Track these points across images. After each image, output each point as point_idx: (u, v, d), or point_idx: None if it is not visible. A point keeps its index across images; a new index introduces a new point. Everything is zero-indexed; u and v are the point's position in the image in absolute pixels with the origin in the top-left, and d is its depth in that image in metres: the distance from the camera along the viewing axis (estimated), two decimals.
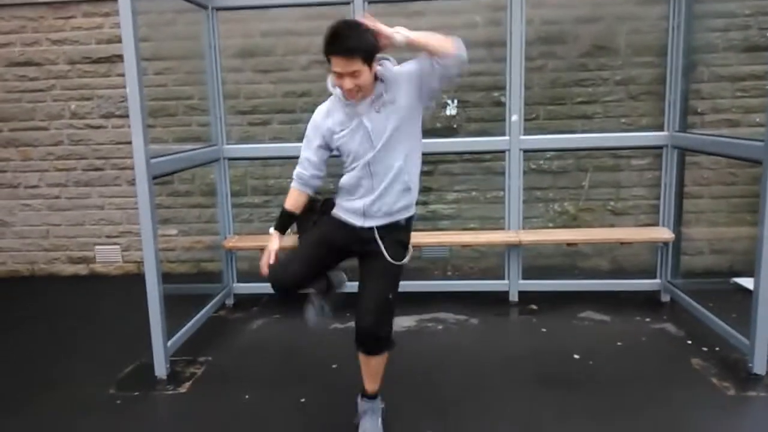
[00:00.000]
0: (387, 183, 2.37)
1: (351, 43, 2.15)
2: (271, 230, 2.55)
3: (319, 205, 2.61)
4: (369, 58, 2.20)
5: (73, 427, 2.75)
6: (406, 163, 2.38)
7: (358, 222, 2.45)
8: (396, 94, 2.31)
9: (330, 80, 2.32)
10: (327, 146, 2.46)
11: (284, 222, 2.56)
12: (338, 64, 2.18)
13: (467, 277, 4.58)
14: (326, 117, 2.41)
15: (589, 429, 2.58)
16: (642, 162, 4.51)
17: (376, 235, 2.42)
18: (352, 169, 2.40)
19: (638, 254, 4.56)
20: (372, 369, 2.52)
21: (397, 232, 2.47)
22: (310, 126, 2.47)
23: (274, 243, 2.50)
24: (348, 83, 2.21)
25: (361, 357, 2.48)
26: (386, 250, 2.41)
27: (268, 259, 2.45)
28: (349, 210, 2.47)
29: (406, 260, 2.48)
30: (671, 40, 3.85)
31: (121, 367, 3.30)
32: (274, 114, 4.73)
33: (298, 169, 2.53)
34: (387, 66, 2.35)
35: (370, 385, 2.56)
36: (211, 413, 2.80)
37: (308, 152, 2.48)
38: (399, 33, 2.24)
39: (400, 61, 2.43)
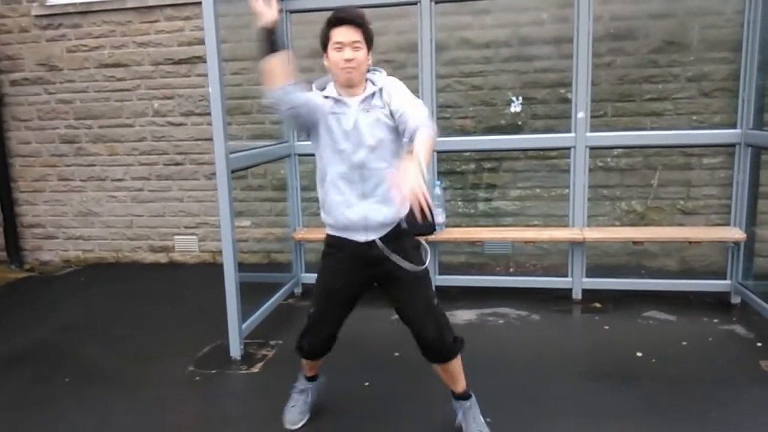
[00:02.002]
0: (378, 187, 2.29)
1: (360, 15, 2.25)
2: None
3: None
4: (369, 41, 2.28)
5: (156, 399, 2.99)
6: (390, 170, 2.23)
7: (360, 238, 2.33)
8: (387, 101, 2.28)
9: (315, 85, 2.36)
10: (311, 103, 2.31)
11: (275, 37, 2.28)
12: (342, 33, 2.22)
13: (529, 274, 4.60)
14: (317, 96, 2.34)
15: (648, 425, 2.58)
16: (714, 161, 4.40)
17: (385, 250, 2.30)
18: (337, 167, 2.29)
19: (708, 255, 4.45)
20: (452, 374, 2.47)
21: (401, 240, 2.36)
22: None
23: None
24: (348, 53, 2.22)
25: (437, 367, 2.45)
26: (404, 262, 2.30)
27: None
28: (343, 226, 2.35)
29: (427, 261, 2.38)
30: (746, 34, 3.74)
31: (199, 347, 3.54)
32: None
33: None
34: (381, 75, 2.35)
35: (457, 386, 2.51)
36: (281, 392, 2.95)
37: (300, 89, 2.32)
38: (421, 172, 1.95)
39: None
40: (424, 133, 2.09)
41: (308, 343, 2.54)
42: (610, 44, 4.38)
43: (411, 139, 2.12)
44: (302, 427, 2.69)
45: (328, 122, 2.30)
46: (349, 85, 2.30)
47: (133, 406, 2.94)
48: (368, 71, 2.35)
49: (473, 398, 2.55)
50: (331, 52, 2.27)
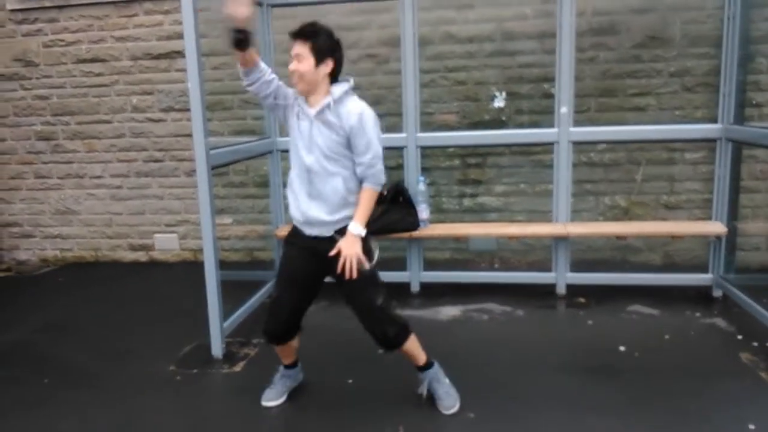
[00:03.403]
0: (322, 190, 2.49)
1: (308, 30, 2.40)
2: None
3: (387, 195, 2.74)
4: (318, 53, 2.40)
5: (137, 400, 2.93)
6: (335, 179, 2.48)
7: (306, 231, 2.57)
8: (341, 121, 2.44)
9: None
10: (282, 96, 2.56)
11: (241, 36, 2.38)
12: (293, 45, 2.42)
13: (514, 269, 4.60)
14: (294, 98, 2.56)
15: (631, 418, 2.58)
16: (696, 155, 4.42)
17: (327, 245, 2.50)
18: (294, 167, 2.56)
19: (691, 249, 4.48)
20: (408, 355, 2.69)
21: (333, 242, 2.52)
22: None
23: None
24: (292, 64, 2.41)
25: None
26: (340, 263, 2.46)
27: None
28: (294, 218, 2.60)
29: (370, 263, 2.54)
30: (726, 30, 3.77)
31: (180, 346, 3.49)
32: None
33: None
34: (344, 90, 2.47)
35: (418, 361, 2.71)
36: (262, 391, 2.92)
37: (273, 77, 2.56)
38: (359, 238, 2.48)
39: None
40: (366, 193, 2.49)
41: (268, 325, 2.66)
42: (593, 39, 4.38)
43: (359, 179, 2.50)
44: (286, 423, 2.67)
45: (292, 120, 2.54)
46: (303, 95, 2.49)
47: (113, 406, 2.88)
48: (334, 83, 2.49)
49: (435, 365, 2.74)
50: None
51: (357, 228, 2.47)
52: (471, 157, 4.71)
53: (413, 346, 2.67)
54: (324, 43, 2.41)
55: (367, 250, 2.51)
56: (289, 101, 2.55)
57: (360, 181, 2.52)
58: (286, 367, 2.87)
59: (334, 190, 2.48)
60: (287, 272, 2.64)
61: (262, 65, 2.50)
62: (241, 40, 2.36)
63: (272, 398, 2.82)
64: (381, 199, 2.81)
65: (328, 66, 2.43)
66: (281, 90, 2.56)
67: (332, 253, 2.46)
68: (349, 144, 2.46)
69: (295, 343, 2.78)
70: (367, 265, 2.48)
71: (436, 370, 2.74)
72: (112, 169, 5.32)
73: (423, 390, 2.74)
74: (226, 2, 2.30)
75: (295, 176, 2.55)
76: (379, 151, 2.49)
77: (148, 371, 3.22)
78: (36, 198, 5.48)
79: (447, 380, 2.75)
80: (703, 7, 4.23)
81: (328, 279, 2.63)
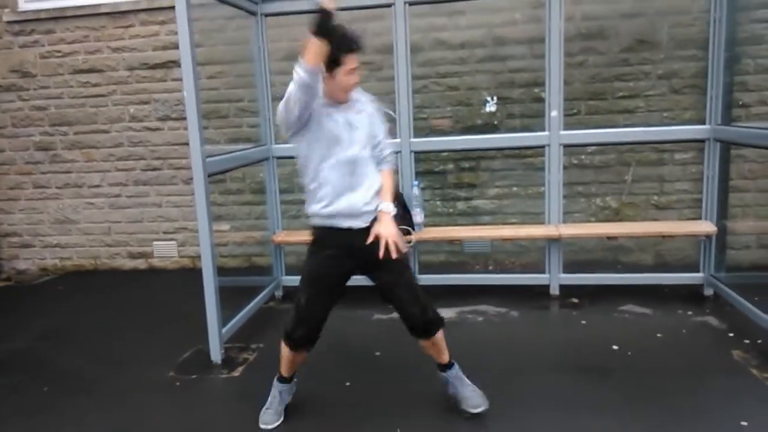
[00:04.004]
0: (363, 179, 2.55)
1: (360, 40, 2.46)
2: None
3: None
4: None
5: (136, 406, 2.98)
6: (370, 169, 2.59)
7: (346, 223, 2.54)
8: (366, 109, 2.62)
9: (329, 80, 2.45)
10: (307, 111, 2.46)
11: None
12: (354, 60, 2.46)
13: (508, 271, 4.65)
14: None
15: (625, 417, 2.63)
16: (685, 156, 4.49)
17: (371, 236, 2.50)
18: (327, 165, 2.50)
19: (682, 249, 4.54)
20: (437, 347, 2.69)
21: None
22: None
23: None
24: (356, 77, 2.50)
25: (423, 343, 2.67)
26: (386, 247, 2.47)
27: None
28: (334, 214, 2.54)
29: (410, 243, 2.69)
30: (713, 32, 3.83)
31: (179, 352, 3.54)
32: None
33: None
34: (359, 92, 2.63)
35: (443, 357, 2.73)
36: (262, 395, 2.95)
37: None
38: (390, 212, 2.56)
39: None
40: (389, 174, 2.65)
41: (298, 332, 2.61)
42: (582, 44, 4.46)
43: (378, 160, 2.63)
44: (279, 427, 2.71)
45: (323, 120, 2.49)
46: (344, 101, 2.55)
47: (113, 413, 2.92)
48: None
49: (456, 365, 2.76)
50: (343, 75, 2.44)
51: (388, 206, 2.53)
52: (464, 161, 4.77)
53: (443, 339, 2.69)
54: None
55: (403, 231, 2.62)
56: (316, 104, 2.49)
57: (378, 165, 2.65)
58: (284, 380, 2.79)
59: (374, 177, 2.57)
60: (320, 276, 2.59)
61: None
62: (326, 23, 2.24)
63: (269, 421, 2.72)
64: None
65: None
66: (311, 104, 2.49)
67: (370, 240, 2.46)
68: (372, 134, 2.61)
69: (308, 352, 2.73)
70: (405, 247, 2.51)
71: (458, 369, 2.76)
72: (110, 178, 5.37)
73: (453, 390, 2.74)
74: None
75: (330, 173, 2.49)
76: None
77: (147, 377, 3.27)
78: (35, 208, 5.53)
79: (469, 381, 2.75)
80: (689, 11, 4.31)
81: (358, 277, 2.63)
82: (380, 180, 2.61)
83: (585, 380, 2.96)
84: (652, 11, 4.38)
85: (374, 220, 2.54)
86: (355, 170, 2.51)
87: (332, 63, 2.40)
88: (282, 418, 2.75)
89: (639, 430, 2.55)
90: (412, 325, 2.58)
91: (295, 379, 2.85)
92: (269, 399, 2.79)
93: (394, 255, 2.42)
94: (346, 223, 2.54)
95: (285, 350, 2.68)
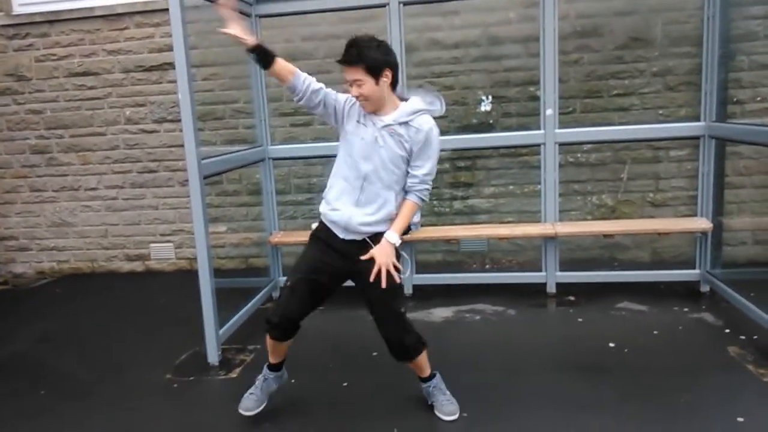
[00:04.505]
0: (369, 201, 2.49)
1: (352, 54, 2.36)
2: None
3: None
4: (373, 71, 2.37)
5: (134, 409, 2.98)
6: (387, 192, 2.49)
7: (341, 235, 2.53)
8: (408, 136, 2.44)
9: None
10: (331, 104, 2.52)
11: (265, 52, 2.51)
12: (346, 73, 2.40)
13: (505, 270, 4.66)
14: (351, 102, 2.52)
15: (622, 414, 2.64)
16: (681, 153, 4.50)
17: (355, 252, 2.50)
18: (346, 172, 2.50)
19: (678, 246, 4.55)
20: (418, 366, 2.72)
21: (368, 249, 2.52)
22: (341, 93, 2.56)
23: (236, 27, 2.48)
24: (354, 90, 2.40)
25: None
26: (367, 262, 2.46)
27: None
28: (333, 221, 2.55)
29: (406, 274, 2.58)
30: (706, 29, 3.84)
31: (177, 354, 3.54)
32: (315, 116, 4.90)
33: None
34: (415, 109, 2.45)
35: (423, 374, 2.75)
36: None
37: (319, 85, 2.53)
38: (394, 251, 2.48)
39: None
40: (408, 206, 2.51)
41: (276, 313, 2.58)
42: (577, 42, 4.46)
43: (404, 190, 2.52)
44: (277, 427, 2.72)
45: (351, 125, 2.50)
46: (373, 112, 2.47)
47: (110, 416, 2.93)
48: (398, 94, 2.50)
49: (437, 376, 2.78)
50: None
51: (394, 237, 2.46)
52: (460, 160, 4.77)
53: (424, 359, 2.69)
54: (375, 58, 2.36)
55: (399, 261, 2.53)
56: (344, 105, 2.51)
57: (404, 194, 2.53)
58: (272, 367, 2.79)
59: (385, 202, 2.48)
60: (311, 262, 2.58)
61: (302, 76, 2.50)
62: (258, 59, 2.46)
63: (250, 407, 2.73)
64: (254, 51, 2.58)
65: (387, 77, 2.40)
66: (330, 97, 2.52)
67: (365, 257, 2.45)
68: (409, 158, 2.47)
69: (290, 342, 2.71)
70: (397, 279, 2.47)
71: (438, 380, 2.77)
72: (106, 181, 5.36)
73: (431, 399, 2.76)
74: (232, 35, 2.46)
75: (342, 180, 2.52)
76: (434, 171, 2.51)
77: (144, 380, 3.27)
78: (31, 211, 5.53)
79: (447, 392, 2.77)
80: (683, 8, 4.32)
81: (348, 284, 2.64)
82: (395, 207, 2.51)
83: (582, 378, 2.97)
84: (646, 8, 4.38)
85: (373, 236, 2.51)
86: (365, 187, 2.47)
87: None
88: (262, 407, 2.75)
89: (635, 427, 2.55)
90: (390, 348, 2.61)
91: (284, 371, 2.85)
92: (255, 384, 2.80)
93: (383, 285, 2.41)
94: (340, 234, 2.54)
95: (267, 336, 2.68)
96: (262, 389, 2.79)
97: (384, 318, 2.56)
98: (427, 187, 2.52)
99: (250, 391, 2.79)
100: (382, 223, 2.51)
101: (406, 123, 2.43)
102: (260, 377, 2.82)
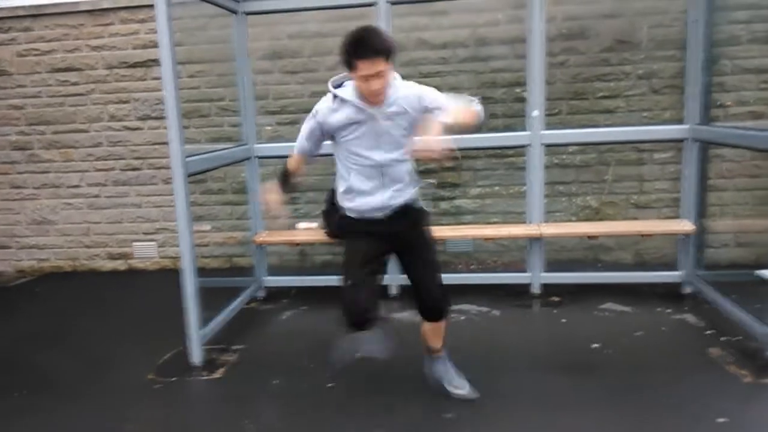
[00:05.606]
0: (394, 180, 2.56)
1: (376, 45, 2.29)
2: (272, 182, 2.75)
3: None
4: (391, 58, 2.35)
5: (115, 409, 2.94)
6: (403, 160, 2.56)
7: (379, 215, 2.59)
8: (406, 106, 2.47)
9: (331, 83, 2.52)
10: (319, 136, 2.65)
11: (284, 177, 2.76)
12: (366, 66, 2.29)
13: (490, 270, 4.67)
14: (330, 114, 2.52)
15: (604, 414, 2.66)
16: (665, 155, 4.54)
17: (398, 223, 2.61)
18: (359, 166, 2.54)
19: (661, 247, 4.59)
20: (439, 330, 2.80)
21: (409, 214, 2.65)
22: (311, 120, 2.62)
23: (271, 193, 2.71)
24: (376, 84, 2.33)
25: (427, 325, 2.76)
26: (412, 227, 2.64)
27: (266, 203, 2.73)
28: (366, 208, 2.60)
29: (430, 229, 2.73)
30: (691, 33, 3.88)
31: (159, 355, 3.50)
32: (302, 114, 4.83)
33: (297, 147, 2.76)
34: (397, 83, 2.49)
35: (437, 343, 2.84)
36: (243, 397, 2.96)
37: (306, 142, 2.69)
38: (442, 136, 2.24)
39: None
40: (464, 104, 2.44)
41: (349, 317, 2.50)
42: (563, 44, 4.49)
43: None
44: (267, 429, 2.69)
45: (345, 131, 2.51)
46: (380, 101, 2.44)
47: (91, 417, 2.88)
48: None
49: (445, 353, 2.90)
50: (358, 80, 2.36)
51: (449, 116, 2.33)
52: (446, 160, 4.76)
53: (445, 326, 2.80)
54: (389, 44, 2.33)
55: (425, 215, 2.71)
56: (322, 125, 2.56)
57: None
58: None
59: (406, 172, 2.59)
60: (361, 256, 2.56)
61: (306, 152, 2.72)
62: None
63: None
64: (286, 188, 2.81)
65: (393, 62, 2.40)
66: (315, 133, 2.63)
67: (417, 149, 2.28)
68: (413, 125, 2.46)
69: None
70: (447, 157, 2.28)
71: (446, 358, 2.90)
72: (89, 178, 5.30)
73: (437, 374, 2.89)
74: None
75: (358, 175, 2.54)
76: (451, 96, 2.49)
77: (126, 380, 3.23)
78: (11, 208, 5.44)
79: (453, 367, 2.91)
80: (668, 11, 4.36)
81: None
82: (414, 174, 2.66)
83: (566, 378, 2.98)
84: (631, 12, 4.42)
85: (407, 205, 2.63)
86: (385, 171, 2.52)
87: (347, 65, 2.35)
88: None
89: (618, 426, 2.57)
90: (428, 306, 2.66)
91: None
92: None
93: (433, 153, 2.18)
94: (379, 214, 2.59)
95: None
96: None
97: (426, 277, 2.63)
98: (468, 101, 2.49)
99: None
100: (410, 187, 2.64)
101: (393, 102, 2.45)
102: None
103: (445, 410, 2.73)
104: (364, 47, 2.28)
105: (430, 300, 2.65)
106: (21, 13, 5.10)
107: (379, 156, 2.50)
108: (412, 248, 2.65)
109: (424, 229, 2.72)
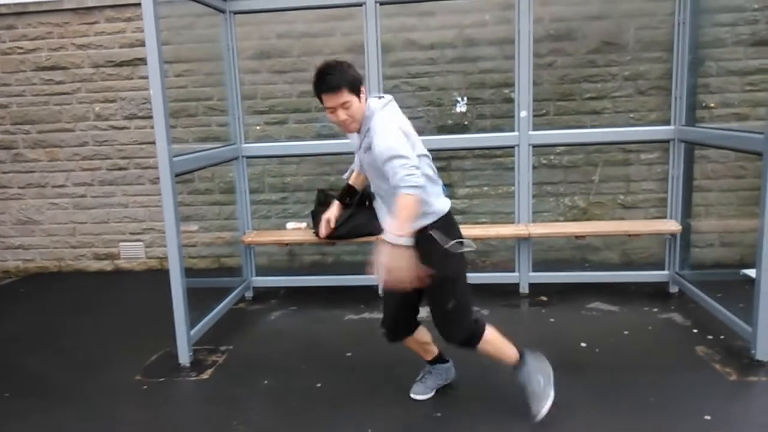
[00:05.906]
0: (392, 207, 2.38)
1: (334, 79, 2.33)
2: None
3: (354, 199, 2.91)
4: (355, 89, 2.37)
5: (102, 411, 2.91)
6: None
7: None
8: (371, 141, 2.37)
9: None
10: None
11: (344, 192, 2.83)
12: (328, 99, 2.35)
13: (478, 270, 4.68)
14: (351, 137, 2.63)
15: (593, 412, 2.68)
16: (651, 156, 4.58)
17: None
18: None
19: (648, 247, 4.63)
20: (490, 355, 2.67)
21: (418, 244, 2.35)
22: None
23: (332, 210, 2.78)
24: (341, 114, 2.37)
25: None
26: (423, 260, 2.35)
27: (326, 225, 2.77)
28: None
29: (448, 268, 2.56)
30: (677, 35, 3.92)
31: (147, 355, 3.47)
32: (290, 113, 4.88)
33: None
34: (372, 113, 2.41)
35: (508, 360, 2.70)
36: (231, 397, 2.94)
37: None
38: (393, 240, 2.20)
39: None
40: (398, 200, 2.20)
41: (385, 325, 2.71)
42: (551, 45, 4.51)
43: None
44: (255, 429, 2.68)
45: (359, 156, 2.62)
46: (355, 131, 2.50)
47: (78, 418, 2.86)
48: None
49: (527, 361, 2.69)
50: (327, 111, 2.42)
51: (387, 234, 2.20)
52: (435, 161, 4.73)
53: (493, 346, 2.65)
54: (354, 75, 2.36)
55: (446, 256, 2.52)
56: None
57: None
58: (429, 362, 2.89)
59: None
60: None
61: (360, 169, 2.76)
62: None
63: (418, 391, 2.86)
64: (348, 204, 2.85)
65: (363, 92, 2.42)
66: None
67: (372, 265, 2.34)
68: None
69: (421, 337, 2.76)
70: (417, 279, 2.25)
71: (532, 365, 2.69)
72: (75, 178, 5.24)
73: (529, 383, 2.66)
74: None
75: (378, 198, 2.62)
76: (398, 152, 2.23)
77: (113, 381, 3.20)
78: None
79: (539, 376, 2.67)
80: (655, 13, 4.39)
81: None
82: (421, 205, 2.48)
83: (554, 377, 2.99)
84: (618, 13, 4.45)
85: (420, 239, 2.38)
86: (386, 199, 2.49)
87: (317, 98, 2.43)
88: (432, 394, 2.87)
89: (606, 425, 2.59)
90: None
91: (446, 365, 2.92)
92: (423, 373, 2.92)
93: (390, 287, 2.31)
94: None
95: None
96: (430, 379, 2.89)
97: (433, 313, 2.60)
98: (402, 175, 2.19)
99: (419, 377, 2.90)
100: (419, 217, 2.39)
101: (366, 134, 2.42)
102: (424, 370, 2.92)
103: (433, 410, 2.74)
104: (323, 81, 2.34)
105: (443, 337, 2.62)
106: (4, 11, 5.04)
107: (373, 184, 2.55)
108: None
109: (435, 266, 2.43)
